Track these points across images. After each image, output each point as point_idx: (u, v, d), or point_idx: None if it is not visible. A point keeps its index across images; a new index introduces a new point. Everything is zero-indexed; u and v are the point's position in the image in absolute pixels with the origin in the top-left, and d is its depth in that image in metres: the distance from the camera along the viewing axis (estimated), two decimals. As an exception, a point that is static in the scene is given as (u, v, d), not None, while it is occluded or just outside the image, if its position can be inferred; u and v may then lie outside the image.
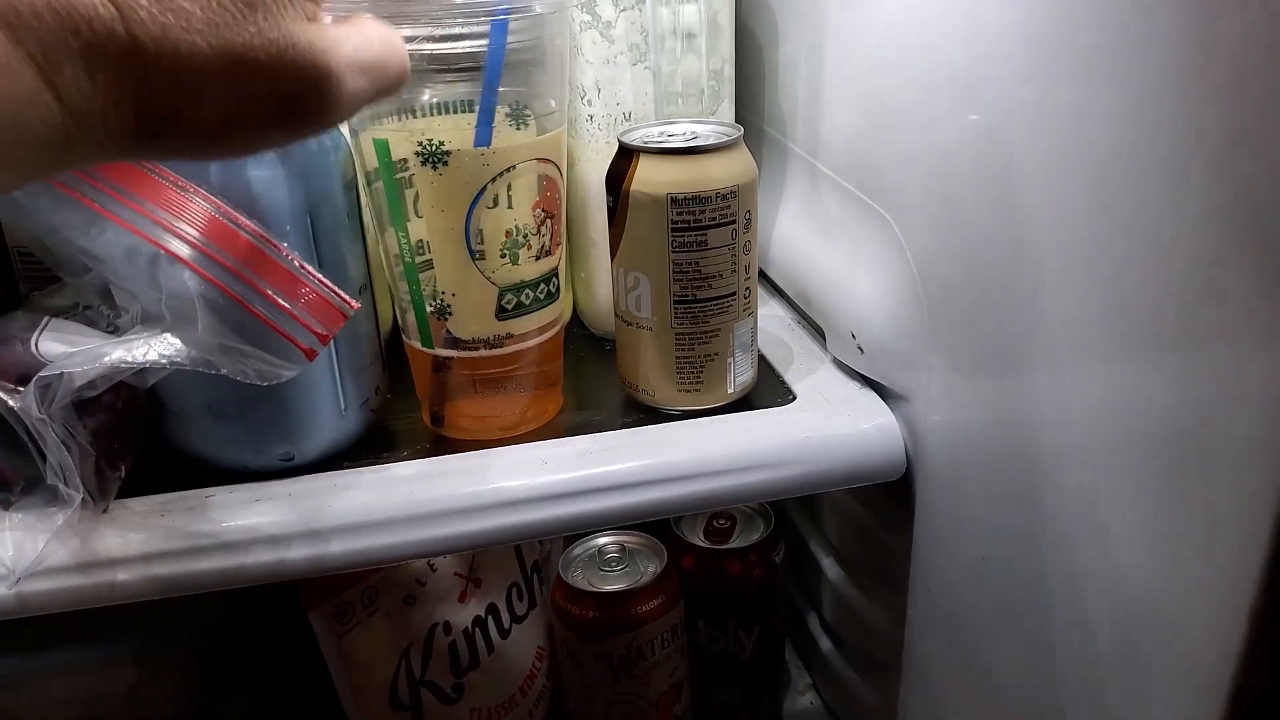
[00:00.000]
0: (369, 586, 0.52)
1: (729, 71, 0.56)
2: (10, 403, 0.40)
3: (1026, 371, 0.40)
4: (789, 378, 0.54)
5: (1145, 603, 0.35)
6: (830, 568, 0.65)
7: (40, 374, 0.39)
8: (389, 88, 0.30)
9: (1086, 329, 0.36)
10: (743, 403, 0.51)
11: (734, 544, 0.60)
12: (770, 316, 0.62)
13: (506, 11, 0.42)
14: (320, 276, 0.39)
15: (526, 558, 0.60)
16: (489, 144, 0.43)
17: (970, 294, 0.43)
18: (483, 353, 0.47)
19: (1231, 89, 0.28)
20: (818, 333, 0.58)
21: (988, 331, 0.42)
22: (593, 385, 0.55)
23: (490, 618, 0.57)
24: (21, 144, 0.22)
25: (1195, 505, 0.32)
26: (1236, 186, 0.29)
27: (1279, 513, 0.29)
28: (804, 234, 0.59)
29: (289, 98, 0.26)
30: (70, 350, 0.40)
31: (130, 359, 0.38)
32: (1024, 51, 0.37)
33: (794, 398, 0.52)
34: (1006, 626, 0.44)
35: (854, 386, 0.53)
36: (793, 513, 0.72)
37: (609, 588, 0.56)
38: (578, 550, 0.59)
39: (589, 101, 0.54)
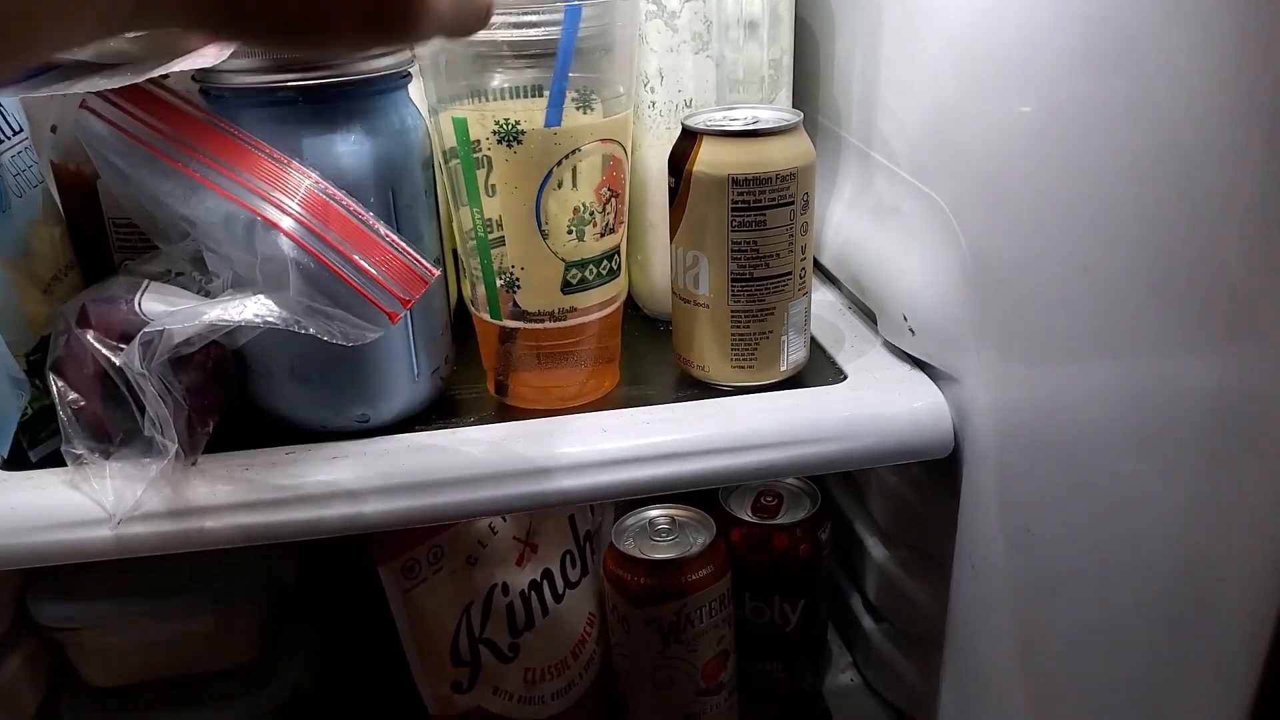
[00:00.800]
0: (435, 545, 0.55)
1: (787, 61, 0.58)
2: (114, 358, 0.44)
3: (1074, 355, 0.41)
4: (840, 359, 0.56)
5: (1185, 584, 0.36)
6: (875, 547, 0.66)
7: (144, 330, 0.42)
8: (471, 22, 0.29)
9: (1133, 315, 0.37)
10: (795, 381, 0.53)
11: (781, 520, 0.62)
12: (823, 302, 0.63)
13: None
14: (403, 244, 0.42)
15: (580, 527, 0.63)
16: (559, 124, 0.45)
17: (1020, 279, 0.44)
18: (547, 325, 0.50)
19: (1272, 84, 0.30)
20: (869, 318, 0.59)
21: (1036, 315, 0.43)
22: (647, 363, 0.57)
23: (545, 582, 0.60)
24: None
25: (1236, 489, 0.33)
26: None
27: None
28: (857, 221, 0.61)
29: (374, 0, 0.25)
30: (170, 309, 0.43)
31: (227, 318, 0.41)
32: (1077, 43, 0.38)
33: (845, 377, 0.54)
34: (1048, 604, 0.45)
35: (904, 367, 0.54)
36: (838, 493, 0.73)
37: (660, 556, 0.58)
38: (629, 521, 0.62)
39: (651, 89, 0.56)
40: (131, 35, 0.38)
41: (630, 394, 0.54)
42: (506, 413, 0.52)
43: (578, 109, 0.47)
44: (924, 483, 0.58)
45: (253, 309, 0.41)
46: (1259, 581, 0.32)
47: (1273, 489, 0.32)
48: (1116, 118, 0.36)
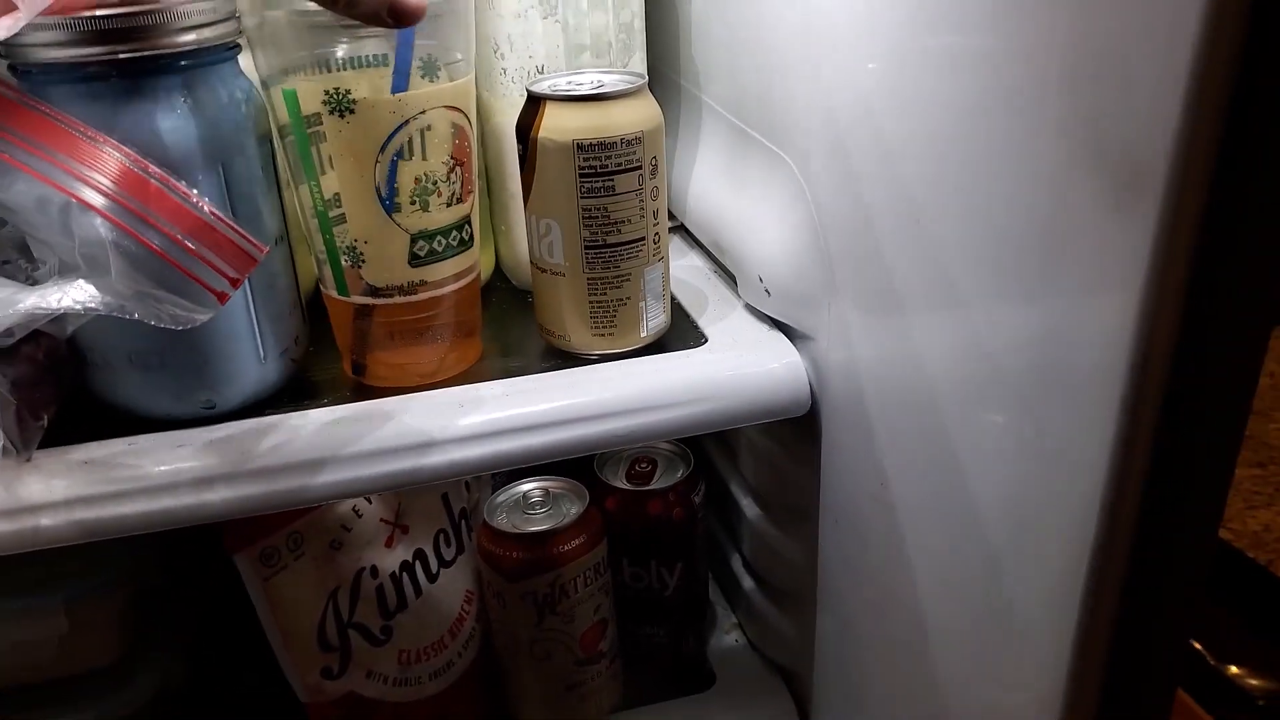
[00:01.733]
0: (294, 531, 0.53)
1: (639, 25, 0.58)
2: (-74, 352, 0.41)
3: (912, 309, 0.42)
4: (702, 322, 0.56)
5: (1015, 526, 0.38)
6: (749, 508, 0.68)
7: (-45, 322, 0.39)
8: None
9: (964, 267, 0.38)
10: (656, 346, 0.53)
11: (654, 485, 0.63)
12: (688, 267, 0.64)
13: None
14: (230, 222, 0.40)
15: (454, 505, 0.62)
16: (405, 89, 0.44)
17: (864, 236, 0.45)
18: (398, 299, 0.49)
19: (1085, 28, 0.31)
20: (732, 281, 0.60)
21: (879, 271, 0.44)
22: (514, 335, 0.57)
23: (418, 562, 0.59)
24: None
25: (1055, 433, 0.35)
26: (1084, 119, 0.31)
27: (1119, 428, 0.32)
28: (717, 183, 0.61)
29: None
30: (-16, 299, 0.41)
31: (45, 305, 0.39)
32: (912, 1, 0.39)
33: (706, 340, 0.54)
34: (901, 552, 0.47)
35: (763, 329, 0.55)
36: (713, 455, 0.74)
37: (532, 529, 0.58)
38: (502, 497, 0.61)
39: (502, 55, 0.55)
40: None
41: (493, 367, 0.53)
42: (364, 393, 0.51)
43: (423, 77, 0.46)
44: (788, 442, 0.59)
45: (73, 295, 0.39)
46: (1077, 521, 0.34)
47: (1084, 432, 0.33)
48: (946, 72, 0.37)
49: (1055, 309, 0.34)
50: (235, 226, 0.40)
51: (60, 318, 0.41)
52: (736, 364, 0.52)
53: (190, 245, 0.39)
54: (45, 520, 0.44)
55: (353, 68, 0.46)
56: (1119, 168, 0.30)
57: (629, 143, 0.47)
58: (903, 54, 0.40)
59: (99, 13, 0.40)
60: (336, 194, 0.46)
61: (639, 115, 0.48)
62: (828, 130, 0.47)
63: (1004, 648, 0.40)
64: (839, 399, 0.50)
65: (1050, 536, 0.36)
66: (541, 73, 0.56)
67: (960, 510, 0.41)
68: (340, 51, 0.45)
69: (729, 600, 0.76)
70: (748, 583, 0.70)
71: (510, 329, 0.58)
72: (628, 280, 0.50)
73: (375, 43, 0.45)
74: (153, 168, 0.40)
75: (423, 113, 0.45)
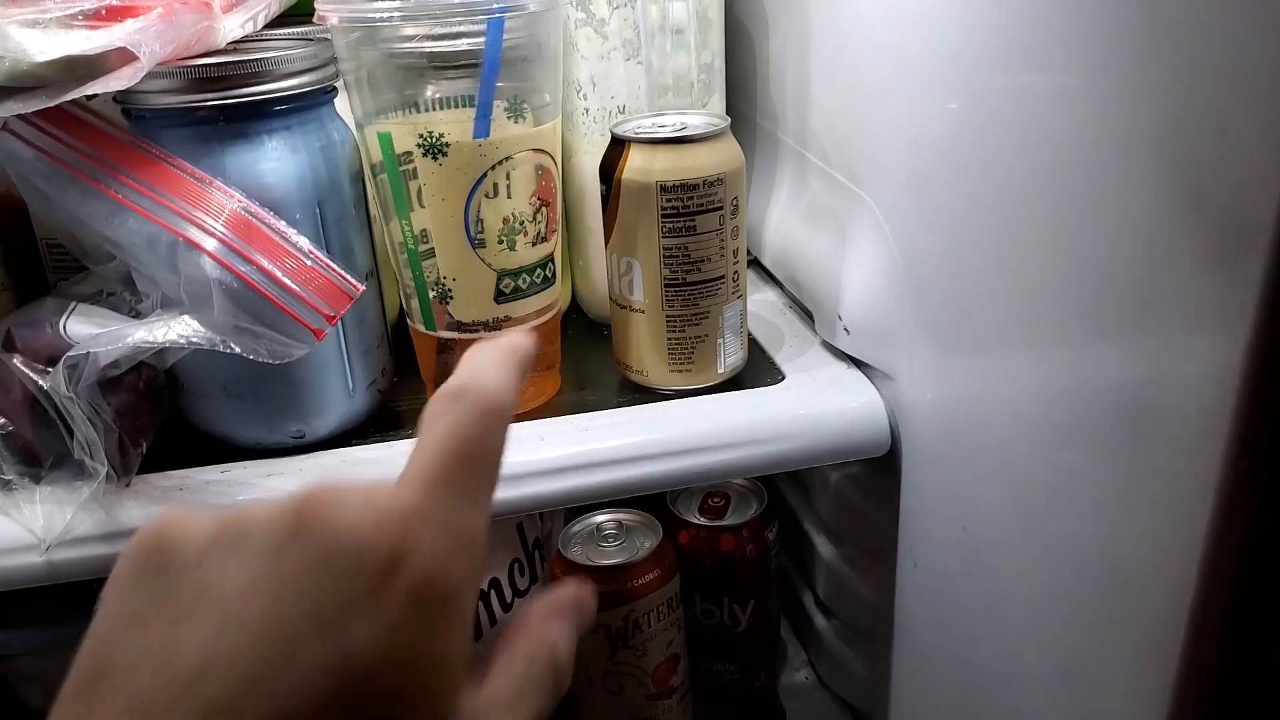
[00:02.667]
0: (377, 559, 0.54)
1: (719, 65, 0.59)
2: (40, 382, 0.43)
3: (999, 351, 0.42)
4: (779, 359, 0.56)
5: (1107, 577, 0.37)
6: (823, 545, 0.67)
7: (68, 354, 0.41)
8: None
9: (1053, 308, 0.38)
10: (733, 383, 0.53)
11: (728, 521, 0.62)
12: (763, 302, 0.64)
13: (503, 10, 0.44)
14: (328, 261, 0.41)
15: (528, 535, 0.63)
16: (487, 135, 0.46)
17: (947, 275, 0.45)
18: (482, 335, 0.50)
19: (1177, 74, 0.30)
20: (808, 316, 0.60)
21: (964, 311, 0.44)
22: (590, 368, 0.58)
23: (493, 592, 0.60)
24: None
25: (1151, 482, 0.34)
26: (1180, 166, 0.31)
27: (1222, 477, 0.31)
28: (794, 221, 0.61)
29: None
30: (96, 332, 0.43)
31: (151, 339, 0.41)
32: (999, 41, 0.39)
33: (783, 377, 0.54)
34: (985, 596, 0.46)
35: (841, 367, 0.55)
36: (786, 492, 0.74)
37: (606, 562, 0.58)
38: (576, 527, 0.62)
39: (584, 96, 0.56)
40: (46, 58, 0.38)
41: (571, 400, 0.54)
42: (447, 424, 0.51)
43: (509, 118, 0.47)
44: (865, 480, 0.58)
45: (177, 330, 0.41)
46: (1176, 575, 0.33)
47: (1184, 481, 0.32)
48: (1036, 112, 0.37)
49: (1153, 353, 0.33)
50: (333, 265, 0.41)
51: (163, 350, 0.43)
52: (815, 402, 0.52)
53: (290, 283, 0.40)
54: (144, 545, 0.45)
55: (442, 108, 0.47)
56: (1220, 218, 0.29)
57: (711, 184, 0.48)
58: (990, 93, 0.40)
59: (209, 61, 0.42)
60: (425, 230, 0.47)
61: (722, 157, 0.48)
62: (910, 171, 0.47)
63: (1092, 701, 0.39)
64: (920, 440, 0.50)
65: (1145, 587, 0.35)
66: (623, 113, 0.57)
67: (1048, 558, 0.40)
68: (430, 92, 0.47)
69: (800, 637, 0.75)
70: (820, 620, 0.70)
71: (586, 361, 0.59)
72: (706, 317, 0.51)
73: (465, 84, 0.47)
74: (256, 208, 0.41)
75: (511, 155, 0.46)
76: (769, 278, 0.67)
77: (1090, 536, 0.38)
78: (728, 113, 0.61)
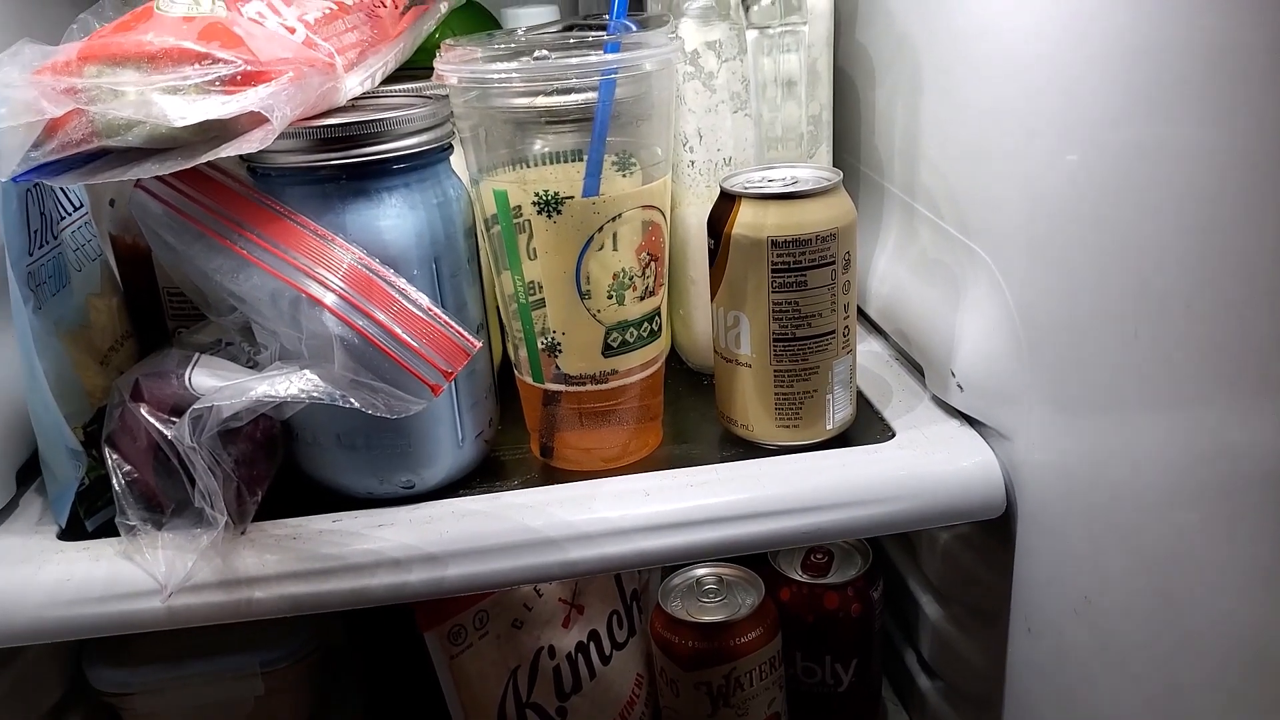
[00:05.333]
0: (481, 610, 0.55)
1: (827, 116, 0.58)
2: (166, 432, 0.44)
3: (1125, 411, 0.40)
4: (888, 414, 0.55)
5: (1253, 662, 0.35)
6: (929, 605, 0.65)
7: (193, 407, 0.42)
8: None
9: (1185, 369, 0.36)
10: (841, 439, 0.52)
11: (831, 579, 0.61)
12: (869, 353, 0.63)
13: (614, 71, 0.44)
14: (445, 318, 0.42)
15: (626, 586, 0.62)
16: (597, 194, 0.46)
17: (1069, 333, 0.43)
18: (589, 388, 0.50)
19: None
20: (916, 370, 0.58)
21: (1086, 371, 0.42)
22: (691, 419, 0.57)
23: (592, 644, 0.59)
24: None
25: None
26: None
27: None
28: (902, 272, 0.60)
29: None
30: (219, 385, 0.44)
31: (273, 393, 0.42)
32: (1121, 92, 0.38)
33: (893, 434, 0.53)
34: (1108, 668, 0.44)
35: (953, 424, 0.53)
36: (890, 548, 0.72)
37: (708, 618, 0.57)
38: (676, 580, 0.61)
39: (690, 148, 0.56)
40: (186, 123, 0.39)
41: (674, 453, 0.53)
42: (550, 474, 0.52)
43: (618, 172, 0.47)
44: (977, 540, 0.56)
45: (298, 384, 0.42)
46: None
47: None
48: (1163, 166, 0.36)
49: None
50: (450, 322, 0.42)
51: (282, 403, 0.43)
52: (927, 462, 0.50)
53: (409, 340, 0.41)
54: (258, 593, 0.46)
55: (553, 162, 0.47)
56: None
57: (823, 239, 0.47)
58: (1112, 145, 0.38)
59: (333, 122, 0.43)
60: (536, 281, 0.48)
61: (834, 212, 0.47)
62: (1026, 225, 0.45)
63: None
64: (1037, 503, 0.48)
65: (1298, 678, 0.33)
66: (729, 164, 0.56)
67: (1187, 639, 0.38)
68: (539, 146, 0.47)
69: (900, 698, 0.73)
70: (924, 682, 0.68)
71: (688, 412, 0.58)
72: (815, 373, 0.50)
73: (575, 138, 0.47)
74: (375, 265, 0.42)
75: (623, 213, 0.46)
76: (874, 328, 0.65)
77: (1235, 618, 0.36)
78: (834, 163, 0.60)
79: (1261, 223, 0.32)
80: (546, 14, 0.73)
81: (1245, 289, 0.33)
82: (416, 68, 0.54)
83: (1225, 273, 0.33)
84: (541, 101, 0.46)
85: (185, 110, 0.39)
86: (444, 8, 0.59)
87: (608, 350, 0.49)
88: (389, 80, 0.52)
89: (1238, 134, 0.32)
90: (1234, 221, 0.33)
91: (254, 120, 0.40)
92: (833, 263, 0.48)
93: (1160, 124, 0.36)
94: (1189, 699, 0.38)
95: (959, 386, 0.52)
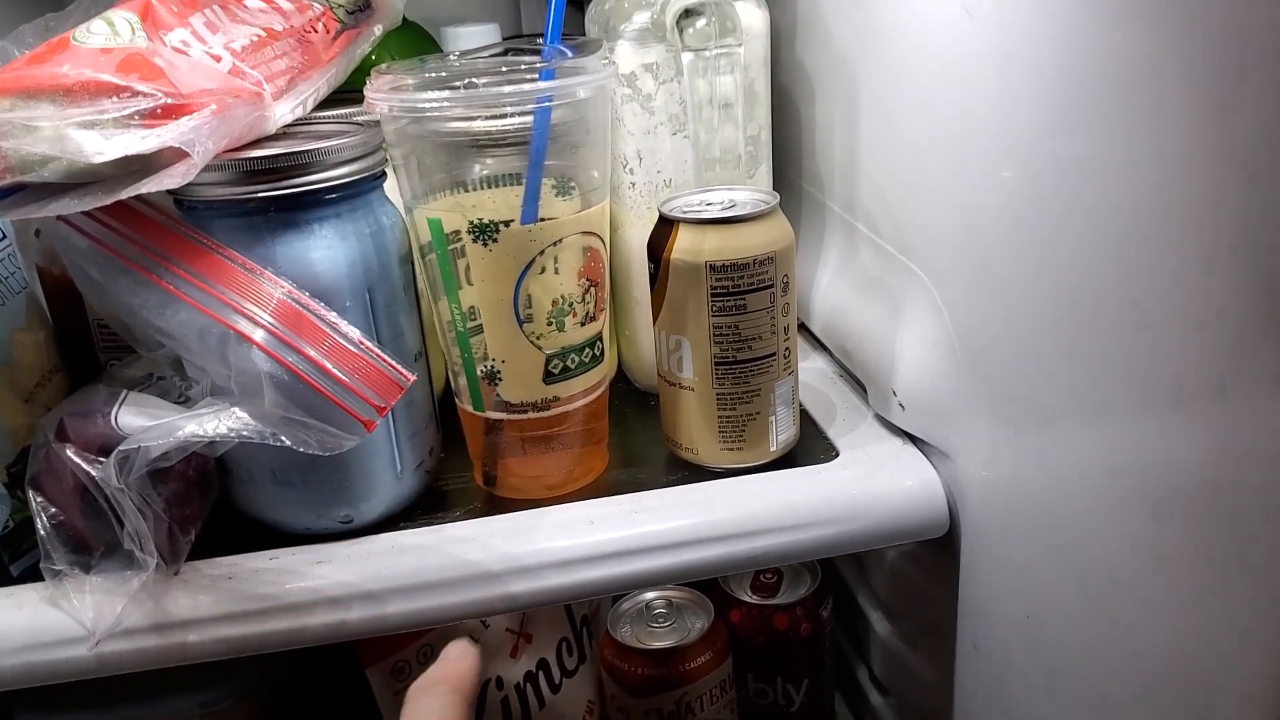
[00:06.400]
0: (425, 645, 0.54)
1: (766, 136, 0.58)
2: (92, 473, 0.43)
3: (1063, 427, 0.41)
4: (832, 433, 0.55)
5: (1184, 684, 0.35)
6: (878, 621, 0.65)
7: (120, 448, 0.41)
8: None
9: (1120, 383, 0.36)
10: (786, 459, 0.52)
11: (781, 599, 0.61)
12: (813, 370, 0.63)
13: (549, 99, 0.44)
14: (378, 351, 0.41)
15: (576, 612, 0.62)
16: (535, 220, 0.45)
17: (1007, 351, 0.44)
18: (531, 415, 0.49)
19: (1252, 139, 0.29)
20: (860, 387, 0.58)
21: (1025, 387, 0.43)
22: (638, 440, 0.57)
23: (541, 673, 0.59)
24: None
25: (1236, 581, 0.32)
26: (1262, 239, 0.29)
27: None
28: (844, 290, 0.60)
29: None
30: (147, 424, 0.42)
31: (201, 433, 0.41)
32: (1056, 106, 0.38)
33: (837, 454, 0.53)
34: (1051, 684, 0.44)
35: (897, 443, 0.53)
36: (841, 565, 0.72)
37: (657, 644, 0.57)
38: (625, 605, 0.61)
39: (631, 170, 0.56)
40: (104, 159, 0.38)
41: (620, 478, 0.53)
42: (494, 503, 0.51)
43: (557, 196, 0.47)
44: (923, 558, 0.57)
45: (227, 423, 0.41)
46: (1261, 689, 0.31)
47: (1263, 558, 0.31)
48: (1096, 181, 0.36)
49: (1232, 436, 0.31)
50: (383, 356, 0.41)
51: (213, 441, 0.42)
52: (871, 483, 0.50)
53: (340, 375, 0.40)
54: (192, 636, 0.45)
55: (489, 186, 0.47)
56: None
57: (761, 263, 0.47)
58: (1044, 162, 0.38)
59: (261, 154, 0.42)
60: (474, 308, 0.47)
61: (771, 235, 0.47)
62: (964, 244, 0.46)
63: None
64: (980, 521, 0.48)
65: (1235, 695, 0.33)
66: (670, 186, 0.56)
67: (1123, 657, 0.38)
68: (476, 170, 0.47)
69: (854, 714, 0.73)
70: (876, 698, 0.68)
71: (634, 434, 0.58)
72: (758, 395, 0.50)
73: (511, 162, 0.46)
74: (306, 299, 0.41)
75: (561, 239, 0.46)
76: (818, 344, 0.66)
77: (1170, 635, 0.36)
78: (776, 180, 0.60)
79: (1180, 235, 0.32)
80: (487, 33, 0.72)
81: (1181, 300, 0.33)
82: (353, 90, 0.53)
83: (1153, 286, 0.34)
84: (477, 126, 0.45)
85: (103, 146, 0.37)
86: (379, 30, 0.58)
87: (549, 377, 0.49)
88: (324, 104, 0.51)
89: (1167, 146, 0.32)
90: (1159, 234, 0.33)
91: (176, 155, 0.39)
92: (771, 286, 0.48)
93: (1084, 140, 0.36)
94: (1123, 712, 0.39)
95: (900, 405, 0.52)
